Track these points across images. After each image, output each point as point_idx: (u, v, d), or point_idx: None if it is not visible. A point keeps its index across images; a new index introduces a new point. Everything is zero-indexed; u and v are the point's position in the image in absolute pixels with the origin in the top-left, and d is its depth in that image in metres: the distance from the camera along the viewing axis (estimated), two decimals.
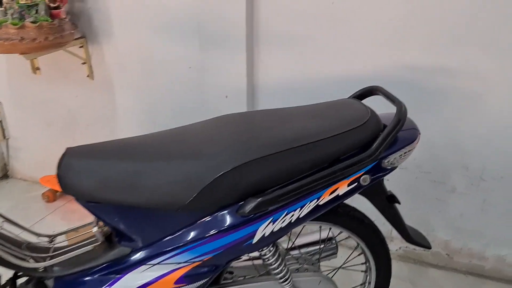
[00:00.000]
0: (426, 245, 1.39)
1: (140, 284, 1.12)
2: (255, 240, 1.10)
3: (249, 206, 1.04)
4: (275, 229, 1.11)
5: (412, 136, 1.19)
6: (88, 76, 2.27)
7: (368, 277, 1.46)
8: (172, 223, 1.10)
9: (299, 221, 1.12)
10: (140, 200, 1.03)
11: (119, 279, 1.12)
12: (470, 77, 1.69)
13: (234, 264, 1.43)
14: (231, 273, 1.37)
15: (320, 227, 1.33)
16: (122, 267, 1.13)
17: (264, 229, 1.10)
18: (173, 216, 1.09)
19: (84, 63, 2.23)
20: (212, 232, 1.09)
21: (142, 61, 2.15)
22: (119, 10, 2.09)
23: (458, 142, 1.81)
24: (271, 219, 1.09)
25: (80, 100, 2.39)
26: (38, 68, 2.35)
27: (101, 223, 1.16)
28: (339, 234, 1.38)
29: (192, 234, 1.10)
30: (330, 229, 1.41)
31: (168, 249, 1.11)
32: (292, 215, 1.11)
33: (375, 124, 1.15)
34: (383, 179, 1.27)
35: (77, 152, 1.04)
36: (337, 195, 1.13)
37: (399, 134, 1.16)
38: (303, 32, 1.84)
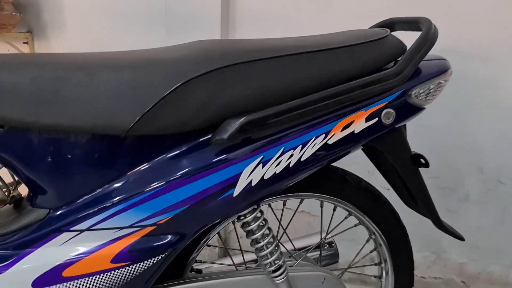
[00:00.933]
0: (458, 236, 1.06)
1: (59, 263, 0.72)
2: (237, 191, 0.75)
3: (231, 128, 0.70)
4: (267, 176, 0.76)
5: (442, 66, 0.90)
6: None
7: (383, 284, 1.09)
8: (109, 164, 0.73)
9: (300, 168, 0.78)
10: (62, 119, 0.68)
11: (26, 255, 0.73)
12: (480, 59, 1.46)
13: (205, 268, 1.03)
14: (199, 272, 0.97)
15: (322, 202, 0.98)
16: (33, 237, 0.73)
17: (251, 173, 0.75)
18: (110, 152, 0.73)
19: None
20: (172, 176, 0.73)
21: None
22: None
23: (470, 139, 1.54)
24: (261, 157, 0.75)
25: None
26: None
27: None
28: (345, 219, 1.02)
29: (140, 180, 0.73)
30: (328, 229, 1.06)
31: (102, 206, 0.73)
32: (291, 156, 0.77)
33: (396, 42, 0.86)
34: (406, 131, 0.96)
35: None
36: (352, 133, 0.81)
37: (426, 63, 0.87)
38: (285, 14, 1.60)
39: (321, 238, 1.04)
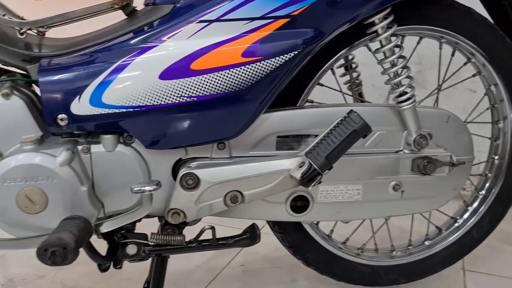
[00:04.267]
0: None
1: (187, 54, 0.67)
2: None
3: None
4: None
5: None
6: None
7: (499, 146, 1.00)
8: None
9: None
10: None
11: (152, 47, 0.68)
12: None
13: None
14: None
15: (441, 44, 0.89)
16: (158, 30, 0.69)
17: None
18: None
19: None
20: None
21: None
22: None
23: None
24: None
25: None
26: None
27: None
28: (464, 65, 0.93)
29: None
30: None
31: None
32: None
33: None
34: None
35: None
36: None
37: None
38: None
39: (438, 85, 0.95)
